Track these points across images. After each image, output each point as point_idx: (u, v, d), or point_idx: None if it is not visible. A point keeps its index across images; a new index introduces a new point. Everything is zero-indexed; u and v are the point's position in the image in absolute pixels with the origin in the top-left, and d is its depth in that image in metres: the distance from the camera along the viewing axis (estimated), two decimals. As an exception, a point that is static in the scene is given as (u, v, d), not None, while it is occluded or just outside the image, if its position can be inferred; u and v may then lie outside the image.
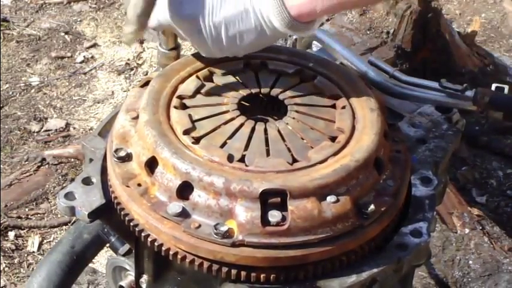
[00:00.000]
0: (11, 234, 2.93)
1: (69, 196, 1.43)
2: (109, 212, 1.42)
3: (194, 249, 1.29)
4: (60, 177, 3.17)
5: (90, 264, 2.34)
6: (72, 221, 2.87)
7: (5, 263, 2.82)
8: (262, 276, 1.29)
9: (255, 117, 1.47)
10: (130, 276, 1.63)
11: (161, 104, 1.44)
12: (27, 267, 2.84)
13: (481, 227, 2.74)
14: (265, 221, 1.28)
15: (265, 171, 1.32)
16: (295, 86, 1.52)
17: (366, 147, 1.37)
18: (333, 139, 1.40)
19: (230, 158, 1.34)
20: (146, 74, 3.60)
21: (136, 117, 1.43)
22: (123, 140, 1.42)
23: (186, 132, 1.39)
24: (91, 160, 1.52)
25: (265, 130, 1.42)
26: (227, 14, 1.40)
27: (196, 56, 1.55)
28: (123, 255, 1.67)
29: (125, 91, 3.62)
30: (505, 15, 4.05)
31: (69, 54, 3.84)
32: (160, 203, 1.33)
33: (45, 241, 2.94)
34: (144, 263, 1.48)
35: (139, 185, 1.36)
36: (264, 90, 1.51)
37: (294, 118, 1.45)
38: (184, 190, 1.32)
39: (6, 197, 3.06)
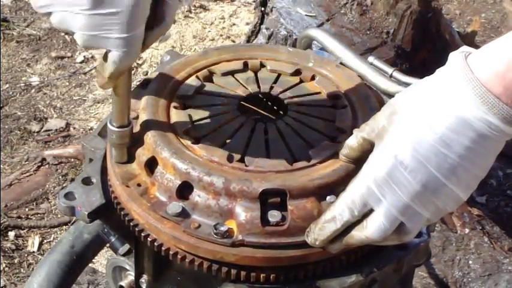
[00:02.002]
0: (11, 234, 2.94)
1: (69, 196, 1.43)
2: (109, 212, 1.42)
3: (194, 249, 1.29)
4: (60, 177, 3.17)
5: (90, 264, 2.34)
6: (72, 221, 2.87)
7: (5, 263, 2.82)
8: (262, 276, 1.29)
9: (254, 117, 1.47)
10: (130, 276, 1.63)
11: (161, 104, 1.44)
12: (27, 267, 2.84)
13: (481, 227, 2.74)
14: (265, 221, 1.28)
15: (265, 171, 1.32)
16: (295, 86, 1.53)
17: (365, 147, 1.37)
18: (333, 139, 1.40)
19: (230, 158, 1.34)
20: (146, 74, 3.60)
21: (136, 118, 1.43)
22: (123, 140, 1.42)
23: (186, 132, 1.39)
24: (91, 160, 1.52)
25: (265, 130, 1.42)
26: None
27: (196, 56, 1.55)
28: (123, 255, 1.67)
29: (125, 91, 3.62)
30: (505, 15, 4.05)
31: (69, 54, 3.85)
32: (160, 203, 1.33)
33: (45, 241, 2.94)
34: (144, 262, 1.48)
35: (139, 185, 1.36)
36: (264, 90, 1.51)
37: (293, 118, 1.45)
38: (184, 190, 1.32)
39: (6, 197, 3.06)
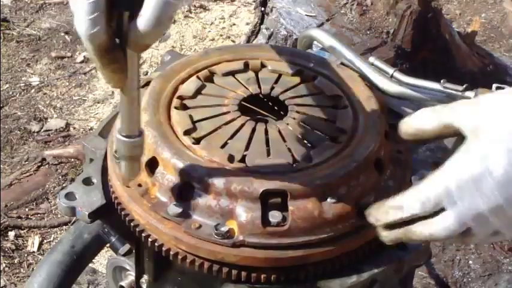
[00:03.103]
0: (11, 234, 2.94)
1: (69, 196, 1.42)
2: (109, 213, 1.42)
3: (195, 249, 1.29)
4: (60, 177, 3.17)
5: (90, 264, 2.34)
6: (72, 221, 2.87)
7: (5, 263, 2.82)
8: (262, 276, 1.29)
9: (255, 117, 1.47)
10: (131, 276, 1.63)
11: (162, 105, 1.44)
12: (27, 267, 2.84)
13: (481, 227, 2.73)
14: (265, 222, 1.28)
15: (266, 172, 1.32)
16: (296, 86, 1.52)
17: (366, 147, 1.37)
18: (334, 139, 1.40)
19: (231, 159, 1.34)
20: (146, 74, 3.60)
21: (137, 118, 1.43)
22: (123, 141, 1.42)
23: (187, 132, 1.39)
24: (91, 160, 1.52)
25: (266, 131, 1.42)
26: None
27: (197, 56, 1.55)
28: (124, 255, 1.67)
29: (125, 91, 3.62)
30: (505, 15, 4.05)
31: (69, 54, 3.85)
32: (160, 203, 1.32)
33: (45, 241, 2.94)
34: (144, 263, 1.48)
35: (139, 185, 1.36)
36: (265, 91, 1.51)
37: (294, 118, 1.44)
38: (185, 191, 1.31)
39: (6, 197, 3.06)
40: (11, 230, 2.94)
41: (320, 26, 3.14)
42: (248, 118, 1.44)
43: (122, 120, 1.23)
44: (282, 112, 1.49)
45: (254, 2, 3.72)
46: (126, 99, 1.21)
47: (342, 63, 1.69)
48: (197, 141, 1.38)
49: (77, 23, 1.11)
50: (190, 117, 1.42)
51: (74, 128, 3.43)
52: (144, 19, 1.11)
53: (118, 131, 1.23)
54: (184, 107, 1.46)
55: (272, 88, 1.52)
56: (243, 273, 1.29)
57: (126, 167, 1.28)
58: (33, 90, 3.60)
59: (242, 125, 1.42)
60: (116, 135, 1.24)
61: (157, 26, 1.12)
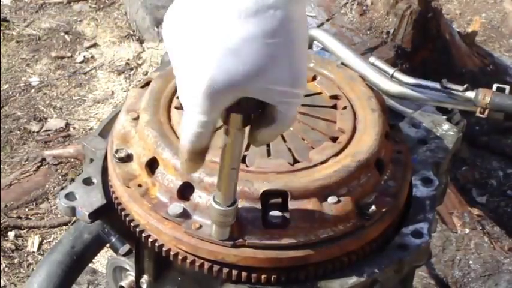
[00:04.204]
0: (11, 234, 2.93)
1: (69, 196, 1.42)
2: (109, 213, 1.42)
3: (195, 249, 1.29)
4: (60, 177, 3.17)
5: (90, 264, 2.34)
6: (72, 221, 2.87)
7: (5, 263, 2.82)
8: (263, 276, 1.29)
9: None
10: (131, 277, 1.62)
11: (162, 105, 1.44)
12: (27, 267, 2.84)
13: (481, 227, 2.74)
14: (266, 222, 1.28)
15: (266, 172, 1.32)
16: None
17: (367, 147, 1.37)
18: (334, 140, 1.40)
19: (231, 159, 1.33)
20: (146, 74, 3.60)
21: (137, 118, 1.43)
22: (123, 141, 1.42)
23: (187, 132, 1.39)
24: (91, 160, 1.52)
25: (266, 131, 1.41)
26: None
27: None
28: (124, 255, 1.67)
29: (124, 91, 3.62)
30: (505, 15, 4.05)
31: (69, 54, 3.84)
32: (161, 203, 1.32)
33: (45, 241, 2.94)
34: (144, 263, 1.48)
35: (140, 185, 1.36)
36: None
37: (294, 118, 1.44)
38: (185, 191, 1.31)
39: (6, 197, 3.05)
40: (11, 230, 2.93)
41: (320, 26, 3.14)
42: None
43: (218, 189, 1.21)
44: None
45: (254, 2, 3.71)
46: (225, 174, 1.19)
47: (342, 63, 1.69)
48: (197, 141, 1.37)
49: (184, 131, 1.12)
50: (191, 117, 1.42)
51: (74, 128, 3.42)
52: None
53: (213, 197, 1.22)
54: (184, 107, 1.45)
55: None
56: (244, 274, 1.29)
57: (216, 231, 1.27)
58: (33, 90, 3.60)
59: (242, 125, 1.42)
60: (211, 203, 1.22)
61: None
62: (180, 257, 1.31)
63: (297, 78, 1.08)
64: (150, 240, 1.33)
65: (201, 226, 1.29)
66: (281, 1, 1.03)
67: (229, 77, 1.04)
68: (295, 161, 1.35)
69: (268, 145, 1.39)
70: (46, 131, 3.41)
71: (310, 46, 1.90)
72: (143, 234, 1.34)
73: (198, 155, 1.15)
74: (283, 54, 1.05)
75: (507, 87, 1.64)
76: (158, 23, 3.74)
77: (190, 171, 1.20)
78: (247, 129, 1.15)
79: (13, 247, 2.89)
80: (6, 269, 2.80)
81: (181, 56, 1.08)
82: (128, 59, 3.81)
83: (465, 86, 1.64)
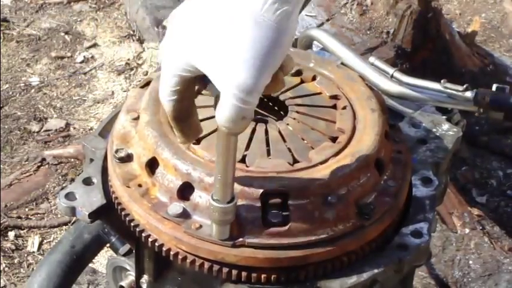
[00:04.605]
0: (11, 234, 2.93)
1: (69, 196, 1.42)
2: (109, 213, 1.42)
3: (195, 249, 1.29)
4: (60, 177, 3.17)
5: (90, 264, 2.34)
6: (72, 221, 2.87)
7: (5, 263, 2.82)
8: (263, 276, 1.29)
9: (255, 117, 1.46)
10: (131, 277, 1.63)
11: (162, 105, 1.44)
12: (27, 267, 2.84)
13: (481, 227, 2.74)
14: (266, 222, 1.28)
15: (266, 172, 1.32)
16: (296, 86, 1.52)
17: (366, 147, 1.37)
18: (334, 140, 1.40)
19: (231, 159, 1.34)
20: (146, 74, 3.60)
21: (137, 118, 1.43)
22: (123, 141, 1.42)
23: (187, 132, 1.39)
24: (91, 160, 1.52)
25: (266, 131, 1.41)
26: None
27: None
28: (124, 255, 1.67)
29: (124, 91, 3.62)
30: (505, 15, 4.05)
31: (69, 54, 3.85)
32: (161, 203, 1.32)
33: (45, 241, 2.94)
34: (144, 263, 1.48)
35: (140, 185, 1.36)
36: (265, 91, 1.51)
37: (294, 119, 1.44)
38: (185, 191, 1.31)
39: (6, 197, 3.05)
40: (11, 230, 2.94)
41: (320, 26, 3.14)
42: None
43: (215, 185, 1.22)
44: (282, 112, 1.49)
45: (254, 2, 3.71)
46: (221, 169, 1.20)
47: (342, 63, 1.69)
48: (197, 141, 1.37)
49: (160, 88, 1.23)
50: (191, 117, 1.42)
51: (74, 128, 3.43)
52: (217, 115, 1.16)
53: (211, 195, 1.23)
54: (184, 107, 1.45)
55: (272, 88, 1.51)
56: (243, 274, 1.29)
57: (217, 229, 1.27)
58: (33, 90, 3.60)
59: (242, 125, 1.42)
60: (210, 200, 1.23)
61: (228, 124, 1.16)
62: (180, 257, 1.31)
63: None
64: (150, 240, 1.33)
65: (201, 226, 1.29)
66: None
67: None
68: (295, 161, 1.35)
69: (268, 145, 1.39)
70: (46, 131, 3.42)
71: (310, 46, 1.90)
72: (143, 234, 1.34)
73: (175, 119, 1.26)
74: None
75: (507, 87, 1.64)
76: (158, 23, 3.74)
77: (183, 142, 1.31)
78: None
79: (13, 247, 2.89)
80: (6, 269, 2.81)
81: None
82: (128, 59, 3.81)
83: (465, 86, 1.64)
